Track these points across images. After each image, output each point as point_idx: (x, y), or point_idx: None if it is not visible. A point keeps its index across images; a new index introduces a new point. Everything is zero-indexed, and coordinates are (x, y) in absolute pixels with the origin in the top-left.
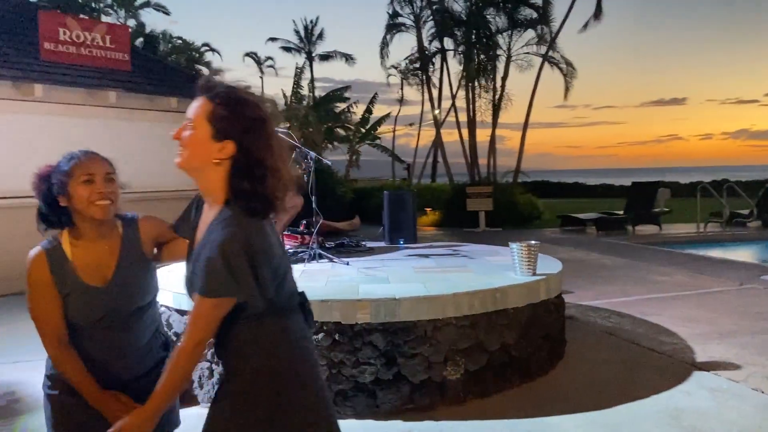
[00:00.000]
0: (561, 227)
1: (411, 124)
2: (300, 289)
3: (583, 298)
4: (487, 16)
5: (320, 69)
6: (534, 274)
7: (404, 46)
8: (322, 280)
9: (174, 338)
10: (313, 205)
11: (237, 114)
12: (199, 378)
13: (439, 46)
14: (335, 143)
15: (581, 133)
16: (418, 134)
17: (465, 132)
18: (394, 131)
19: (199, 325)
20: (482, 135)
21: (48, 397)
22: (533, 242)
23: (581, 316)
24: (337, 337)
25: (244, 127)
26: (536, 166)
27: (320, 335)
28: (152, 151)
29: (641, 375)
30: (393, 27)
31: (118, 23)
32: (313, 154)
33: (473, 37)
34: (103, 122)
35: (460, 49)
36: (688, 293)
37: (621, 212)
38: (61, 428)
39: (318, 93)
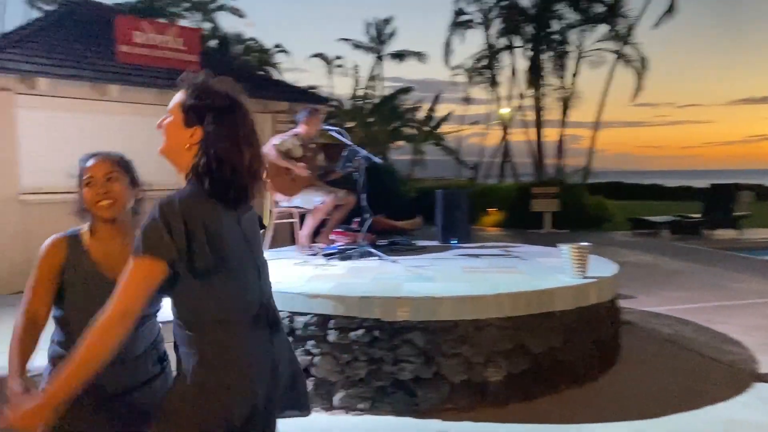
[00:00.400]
0: (632, 230)
1: (475, 123)
2: (264, 301)
3: (646, 304)
4: (557, 12)
5: (392, 68)
6: (585, 276)
7: (472, 44)
8: (368, 276)
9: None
10: (363, 203)
11: (204, 102)
12: None
13: (507, 44)
14: (400, 142)
15: (664, 132)
16: (485, 134)
17: (532, 131)
18: (459, 131)
19: (129, 290)
20: (554, 134)
21: None
22: (584, 244)
23: (641, 323)
24: (377, 333)
25: (210, 114)
26: (614, 167)
27: (360, 331)
28: None
29: (697, 385)
30: (458, 25)
31: (190, 26)
32: (363, 152)
33: (542, 33)
34: None
35: (529, 46)
36: (760, 301)
37: (698, 215)
38: None
39: (388, 92)
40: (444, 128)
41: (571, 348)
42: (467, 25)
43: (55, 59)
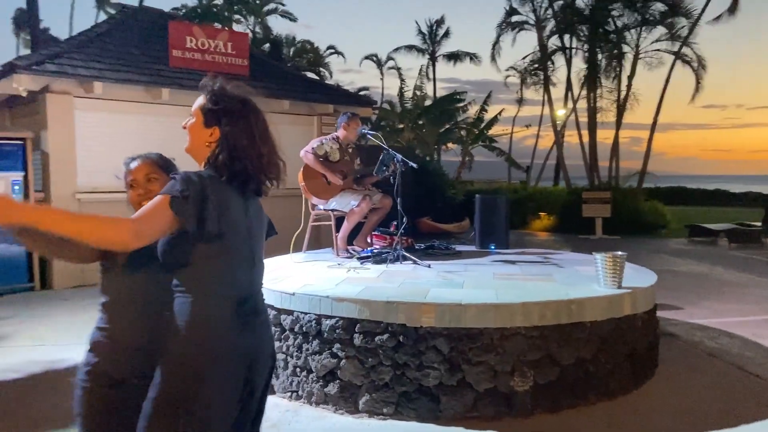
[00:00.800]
0: (688, 238)
1: (528, 126)
2: (251, 290)
3: (693, 316)
4: (613, 12)
5: (446, 69)
6: (619, 287)
7: (526, 44)
8: (397, 281)
9: None
10: (398, 207)
11: (220, 106)
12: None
13: (561, 44)
14: (449, 144)
15: (732, 135)
16: (537, 136)
17: (586, 133)
18: (511, 133)
19: (147, 216)
20: (611, 137)
21: (81, 389)
22: (619, 253)
23: (685, 335)
24: (401, 339)
25: (225, 116)
26: (678, 170)
27: (385, 336)
28: None
29: (737, 402)
30: (509, 25)
31: (240, 30)
32: (399, 156)
33: (597, 34)
34: None
35: (584, 47)
36: None
37: (758, 223)
38: (90, 417)
39: (440, 93)
40: (496, 129)
41: (603, 360)
42: (520, 25)
43: (110, 64)
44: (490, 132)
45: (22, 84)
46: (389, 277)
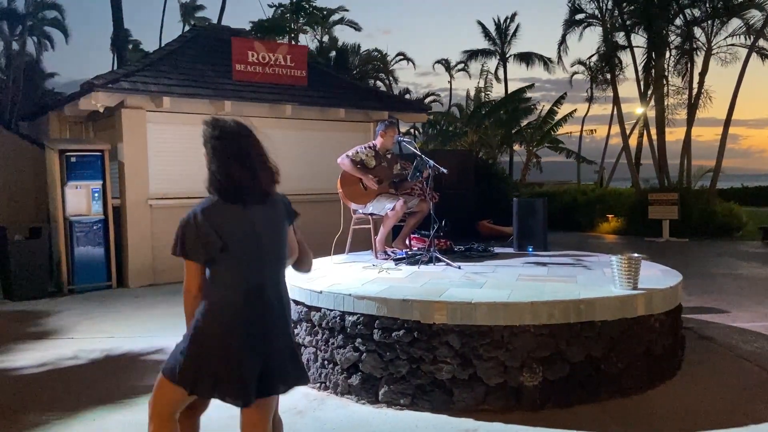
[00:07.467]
0: (763, 240)
1: (593, 131)
2: (261, 283)
3: (737, 320)
4: (683, 5)
5: (515, 68)
6: (635, 288)
7: (593, 42)
8: (422, 281)
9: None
10: (431, 212)
11: (204, 137)
12: (307, 361)
13: (629, 42)
14: (516, 146)
15: None
16: (608, 135)
17: (658, 132)
18: (581, 132)
19: (185, 276)
20: (695, 135)
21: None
22: (635, 255)
23: (722, 338)
24: (416, 334)
25: (206, 146)
26: None
27: (401, 332)
28: (323, 157)
29: (751, 402)
30: (574, 23)
31: (306, 41)
32: (431, 162)
33: (665, 30)
34: (280, 132)
35: (653, 43)
36: None
37: None
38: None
39: (508, 94)
40: (566, 129)
41: (615, 359)
42: (586, 22)
43: (178, 79)
44: (559, 132)
45: (99, 101)
46: (416, 278)
